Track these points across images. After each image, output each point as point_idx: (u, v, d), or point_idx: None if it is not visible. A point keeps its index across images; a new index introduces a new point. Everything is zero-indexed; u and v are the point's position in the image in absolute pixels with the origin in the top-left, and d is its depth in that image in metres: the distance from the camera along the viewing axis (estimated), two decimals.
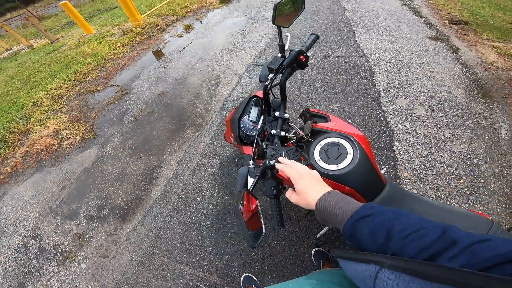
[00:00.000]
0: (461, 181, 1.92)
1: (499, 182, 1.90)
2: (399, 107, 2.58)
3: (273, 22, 0.90)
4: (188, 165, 2.30)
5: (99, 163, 2.51)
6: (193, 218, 1.94)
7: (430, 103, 2.60)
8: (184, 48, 4.28)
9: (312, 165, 0.92)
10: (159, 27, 5.38)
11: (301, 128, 1.02)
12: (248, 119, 1.09)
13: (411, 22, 4.63)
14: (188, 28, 5.02)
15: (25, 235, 2.11)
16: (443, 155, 2.10)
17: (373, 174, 0.93)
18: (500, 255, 0.30)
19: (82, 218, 2.12)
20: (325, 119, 1.11)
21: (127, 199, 2.16)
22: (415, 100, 2.65)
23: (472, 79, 2.95)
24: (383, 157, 2.12)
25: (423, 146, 2.18)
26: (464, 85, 2.84)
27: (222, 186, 2.08)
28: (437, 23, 4.68)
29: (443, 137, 2.24)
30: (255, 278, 1.57)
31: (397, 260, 0.35)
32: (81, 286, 1.76)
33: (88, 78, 3.93)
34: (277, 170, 0.75)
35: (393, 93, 2.75)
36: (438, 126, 2.35)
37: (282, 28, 0.95)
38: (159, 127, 2.73)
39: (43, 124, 3.12)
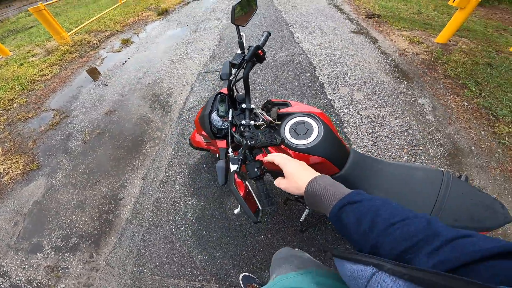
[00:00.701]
0: (404, 151, 2.25)
1: (435, 146, 2.26)
2: (341, 94, 2.90)
3: (232, 22, 0.97)
4: (155, 179, 2.21)
5: (50, 193, 2.22)
6: (173, 230, 1.87)
7: (365, 88, 2.99)
8: (125, 62, 4.06)
9: (286, 144, 1.02)
10: (91, 43, 4.98)
11: (268, 115, 1.12)
12: (217, 114, 1.13)
13: (337, 19, 5.19)
14: (126, 42, 4.76)
15: None
16: (385, 130, 2.44)
17: (338, 143, 1.07)
18: (481, 251, 0.30)
19: (49, 250, 1.88)
20: (286, 105, 1.22)
21: (94, 225, 1.97)
22: (352, 87, 3.01)
23: (392, 64, 3.47)
24: None
25: (368, 125, 2.50)
26: (387, 70, 3.33)
27: (195, 193, 2.05)
28: (357, 18, 5.32)
29: (381, 115, 2.60)
30: (253, 276, 1.57)
31: (397, 265, 0.33)
32: None
33: (15, 104, 3.42)
34: (258, 151, 0.81)
35: (334, 83, 3.08)
36: (375, 106, 2.72)
37: (240, 27, 1.02)
38: (113, 147, 2.55)
39: None
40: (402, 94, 2.88)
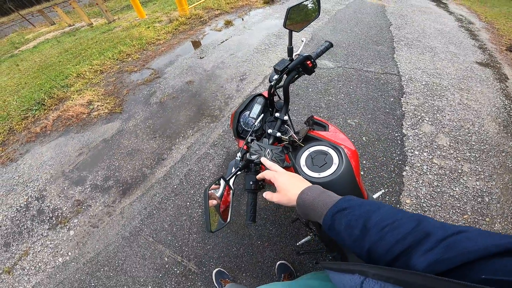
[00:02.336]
0: (464, 217, 1.81)
1: (505, 222, 1.78)
2: (421, 132, 2.44)
3: (284, 25, 0.92)
4: (197, 152, 2.40)
5: (118, 136, 2.71)
6: (188, 203, 2.02)
7: (458, 133, 2.43)
8: (222, 42, 4.44)
9: (295, 168, 0.95)
10: (202, 19, 5.63)
11: (296, 133, 1.05)
12: (249, 115, 1.13)
13: (463, 45, 4.30)
14: (228, 23, 5.18)
15: (30, 195, 2.29)
16: (454, 189, 1.98)
17: (355, 189, 0.93)
18: (478, 251, 0.30)
19: (87, 186, 2.28)
20: (324, 127, 1.12)
21: (133, 174, 2.31)
22: (441, 128, 2.49)
23: (511, 114, 2.68)
24: (389, 180, 2.04)
25: (435, 177, 2.06)
26: (500, 119, 2.60)
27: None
28: (492, 48, 4.30)
29: (460, 171, 2.10)
30: (227, 273, 1.59)
31: (380, 269, 0.35)
32: (61, 252, 1.88)
33: (130, 58, 4.26)
34: (260, 166, 0.79)
35: (419, 117, 2.60)
36: (458, 158, 2.20)
37: (296, 32, 0.97)
38: (179, 112, 2.89)
39: (80, 94, 3.45)
40: (504, 154, 2.23)
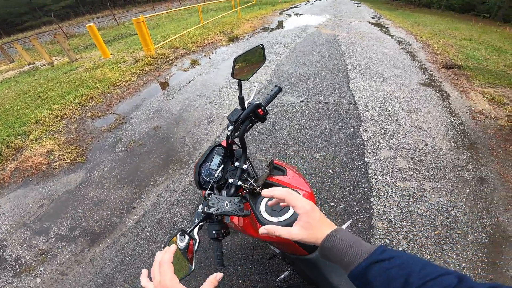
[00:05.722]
0: (436, 232, 1.93)
1: (477, 232, 1.91)
2: (381, 158, 2.62)
3: (232, 75, 0.93)
4: (168, 199, 2.34)
5: (82, 187, 2.58)
6: (162, 248, 1.93)
7: (413, 155, 2.65)
8: (188, 83, 4.51)
9: (255, 215, 0.97)
10: (168, 59, 5.74)
11: (256, 180, 1.08)
12: (209, 166, 1.14)
13: (406, 67, 4.81)
14: (194, 63, 5.34)
15: None
16: (420, 207, 2.12)
17: None
18: None
19: (52, 236, 2.15)
20: (283, 172, 1.17)
21: (101, 224, 2.20)
22: (398, 151, 2.70)
23: (458, 129, 3.01)
24: (359, 208, 2.14)
25: (401, 198, 2.20)
26: (449, 136, 2.89)
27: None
28: (431, 67, 4.85)
29: (422, 190, 2.27)
30: None
31: None
32: None
33: (93, 102, 4.14)
34: (221, 216, 0.81)
35: (378, 143, 2.81)
36: (419, 178, 2.38)
37: (242, 81, 0.99)
38: (147, 160, 2.82)
39: (39, 143, 3.24)
40: (459, 169, 2.46)
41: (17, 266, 1.96)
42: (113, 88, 4.60)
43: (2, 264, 1.98)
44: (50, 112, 3.93)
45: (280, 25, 8.87)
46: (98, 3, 33.75)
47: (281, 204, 0.72)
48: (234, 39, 6.54)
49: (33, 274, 1.89)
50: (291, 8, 13.83)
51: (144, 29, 5.68)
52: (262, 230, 0.61)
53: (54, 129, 3.57)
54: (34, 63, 8.41)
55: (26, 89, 5.43)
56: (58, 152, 3.07)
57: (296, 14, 11.37)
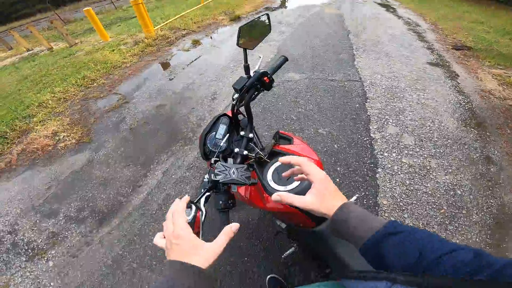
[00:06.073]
0: (441, 211, 1.91)
1: (482, 213, 1.89)
2: (387, 134, 2.58)
3: (238, 44, 0.92)
4: (173, 176, 2.35)
5: (88, 167, 2.59)
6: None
7: (420, 131, 2.60)
8: (191, 63, 4.44)
9: (262, 184, 0.95)
10: (169, 39, 5.61)
11: (262, 149, 1.07)
12: (215, 136, 1.13)
13: (413, 47, 4.66)
14: (196, 43, 5.22)
15: (2, 230, 2.17)
16: (426, 185, 2.09)
17: None
18: None
19: (61, 218, 2.18)
20: (289, 141, 1.15)
21: (108, 204, 2.22)
22: (404, 128, 2.65)
23: (466, 108, 2.94)
24: (364, 184, 2.12)
25: (407, 175, 2.17)
26: (457, 114, 2.83)
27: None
28: (440, 48, 4.69)
29: (428, 167, 2.23)
30: (282, 280, 1.54)
31: (410, 276, 0.36)
32: (43, 282, 1.79)
33: (95, 84, 4.10)
34: (227, 185, 0.79)
35: (383, 120, 2.76)
36: (425, 155, 2.35)
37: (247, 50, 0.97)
38: (151, 138, 2.82)
39: (44, 124, 3.26)
40: (466, 147, 2.42)
41: (29, 250, 1.98)
42: (115, 69, 4.55)
43: (15, 249, 2.01)
44: (53, 95, 3.91)
45: (283, 4, 8.56)
46: None
47: (295, 178, 0.72)
48: (236, 19, 6.35)
49: (45, 258, 1.92)
50: None
51: (143, 10, 5.55)
52: (275, 196, 0.59)
53: (57, 111, 3.57)
54: (32, 49, 8.29)
55: (26, 74, 5.39)
56: (63, 133, 3.07)
57: None
